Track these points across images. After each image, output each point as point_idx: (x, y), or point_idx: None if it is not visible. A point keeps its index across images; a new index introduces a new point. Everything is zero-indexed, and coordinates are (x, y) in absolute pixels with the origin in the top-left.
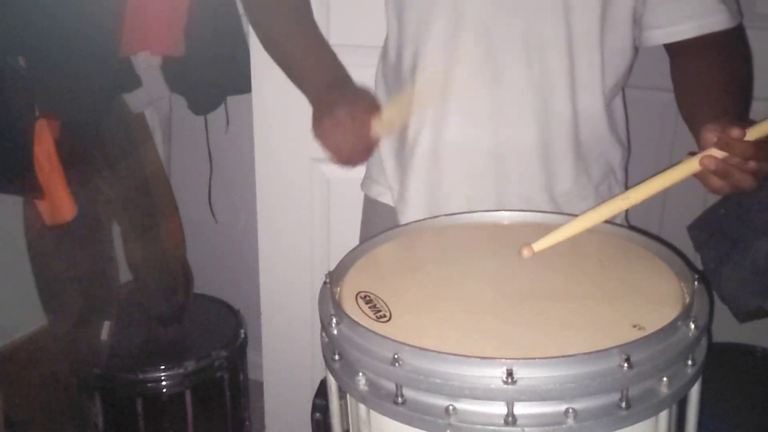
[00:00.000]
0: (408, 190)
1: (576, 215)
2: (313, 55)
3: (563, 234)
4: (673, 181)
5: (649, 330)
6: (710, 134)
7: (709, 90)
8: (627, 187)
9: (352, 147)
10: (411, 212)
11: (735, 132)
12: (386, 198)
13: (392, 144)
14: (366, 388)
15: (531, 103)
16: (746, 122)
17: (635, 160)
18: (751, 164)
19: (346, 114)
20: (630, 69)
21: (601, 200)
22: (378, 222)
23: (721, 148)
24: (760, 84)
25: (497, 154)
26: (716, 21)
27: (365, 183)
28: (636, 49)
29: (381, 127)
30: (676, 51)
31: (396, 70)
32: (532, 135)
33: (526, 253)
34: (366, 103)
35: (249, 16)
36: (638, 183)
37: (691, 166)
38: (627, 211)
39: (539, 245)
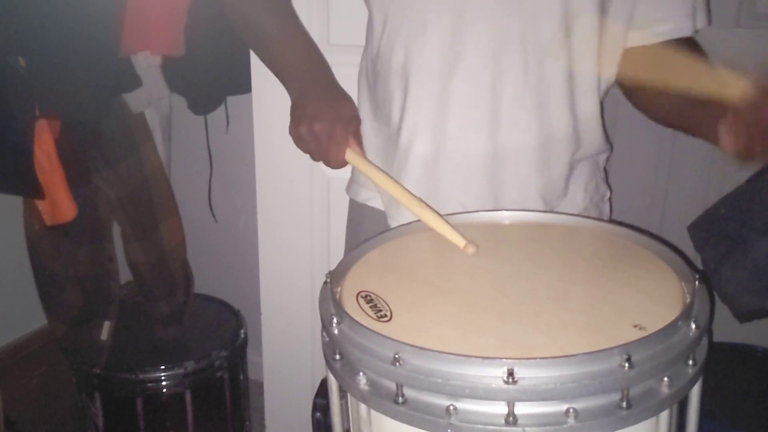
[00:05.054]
0: None
1: (574, 214)
2: (293, 42)
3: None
4: (706, 89)
5: (650, 330)
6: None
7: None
8: (608, 184)
9: (324, 161)
10: (404, 218)
11: None
12: (375, 202)
13: (378, 148)
14: (367, 387)
15: (529, 108)
16: None
17: (636, 160)
18: None
19: (324, 130)
20: None
21: (589, 198)
22: (368, 227)
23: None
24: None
25: (494, 159)
26: (692, 24)
27: (351, 187)
28: None
29: (354, 155)
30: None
31: (380, 70)
32: (530, 140)
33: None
34: (346, 119)
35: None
36: (624, 190)
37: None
38: (612, 205)
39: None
